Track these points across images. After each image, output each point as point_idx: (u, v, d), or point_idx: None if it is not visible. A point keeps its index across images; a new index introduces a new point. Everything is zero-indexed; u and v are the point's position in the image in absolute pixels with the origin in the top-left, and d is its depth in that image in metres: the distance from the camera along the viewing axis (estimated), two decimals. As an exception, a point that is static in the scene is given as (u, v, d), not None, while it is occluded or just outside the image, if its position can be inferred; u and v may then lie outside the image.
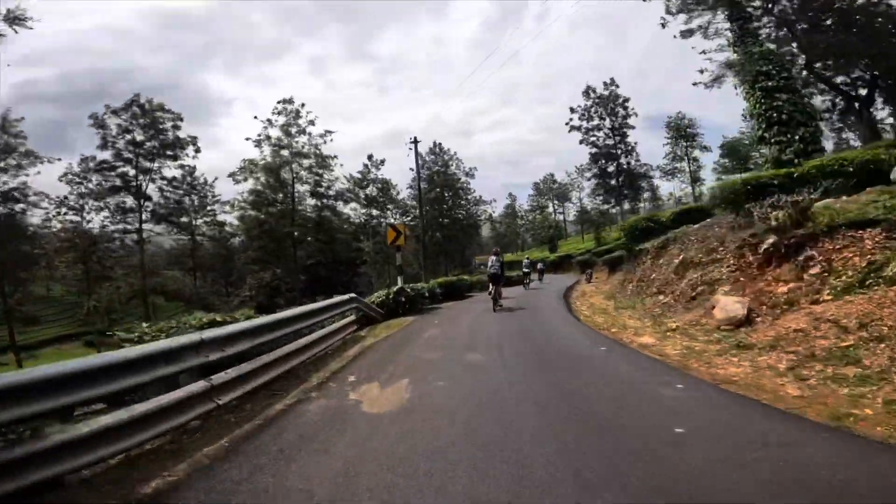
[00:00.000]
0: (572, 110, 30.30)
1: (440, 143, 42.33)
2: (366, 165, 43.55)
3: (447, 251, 41.43)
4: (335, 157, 40.55)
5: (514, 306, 15.88)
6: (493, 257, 14.42)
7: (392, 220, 45.10)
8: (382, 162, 43.21)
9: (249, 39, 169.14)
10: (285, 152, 37.17)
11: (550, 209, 79.87)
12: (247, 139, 37.80)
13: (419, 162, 41.45)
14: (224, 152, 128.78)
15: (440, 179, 40.52)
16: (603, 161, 27.77)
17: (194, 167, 39.16)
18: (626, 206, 48.90)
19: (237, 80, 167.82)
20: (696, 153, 59.17)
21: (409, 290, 14.20)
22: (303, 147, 38.38)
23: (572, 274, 44.85)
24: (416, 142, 19.94)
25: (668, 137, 59.94)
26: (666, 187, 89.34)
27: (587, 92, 30.13)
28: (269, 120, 37.84)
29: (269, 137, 37.54)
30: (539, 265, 33.20)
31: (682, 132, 58.55)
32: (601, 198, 49.42)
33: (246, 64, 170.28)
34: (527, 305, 16.70)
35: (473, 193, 43.13)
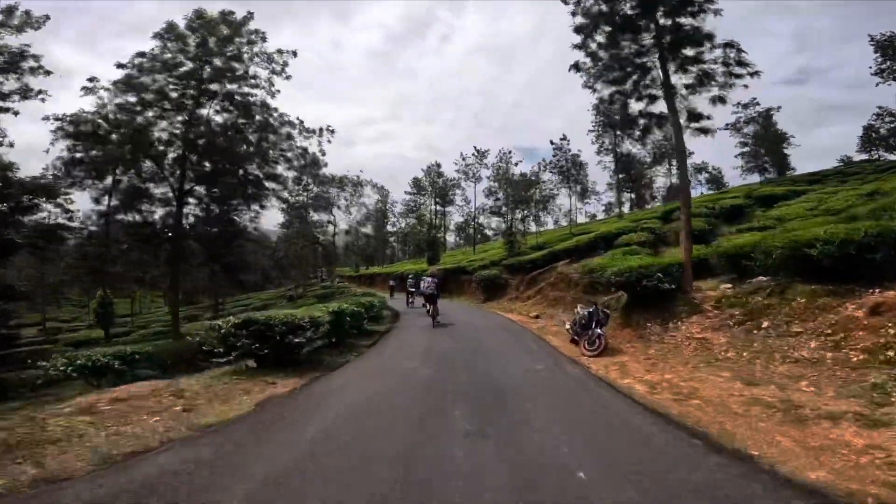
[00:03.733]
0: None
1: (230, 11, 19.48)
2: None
3: (209, 241, 18.35)
4: None
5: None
6: (429, 279, 15.45)
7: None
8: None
9: (115, 13, 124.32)
10: None
11: (431, 208, 61.18)
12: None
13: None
14: None
15: (212, 71, 17.76)
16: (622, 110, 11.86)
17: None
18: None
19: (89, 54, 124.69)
20: (627, 145, 46.93)
21: None
22: None
23: (471, 301, 25.60)
24: None
25: (594, 125, 46.73)
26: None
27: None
28: None
29: None
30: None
31: (611, 117, 45.54)
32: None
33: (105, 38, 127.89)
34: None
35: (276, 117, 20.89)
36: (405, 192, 65.41)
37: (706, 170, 67.07)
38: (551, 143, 41.80)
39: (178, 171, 18.13)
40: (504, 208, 37.31)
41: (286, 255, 43.25)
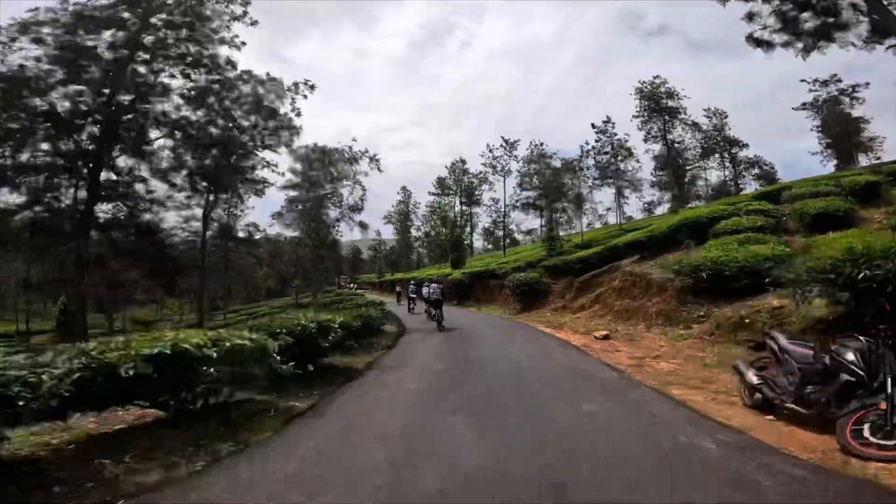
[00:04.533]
0: None
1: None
2: None
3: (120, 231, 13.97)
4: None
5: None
6: (434, 285, 15.21)
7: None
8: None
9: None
10: None
11: (457, 209, 55.76)
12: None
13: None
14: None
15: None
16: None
17: None
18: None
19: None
20: (678, 131, 40.64)
21: None
22: None
23: (503, 311, 20.27)
24: None
25: (638, 112, 40.49)
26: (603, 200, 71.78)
27: None
28: None
29: None
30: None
31: (659, 103, 39.49)
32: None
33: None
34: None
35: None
36: (428, 192, 60.34)
37: (760, 164, 59.57)
38: (593, 126, 36.09)
39: (93, 144, 13.82)
40: (540, 200, 31.77)
41: (296, 259, 39.08)
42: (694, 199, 62.36)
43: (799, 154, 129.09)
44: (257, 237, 62.34)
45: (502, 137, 43.58)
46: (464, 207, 56.46)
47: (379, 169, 39.59)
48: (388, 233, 76.40)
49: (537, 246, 43.43)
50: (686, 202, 61.18)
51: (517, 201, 36.85)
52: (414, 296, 20.78)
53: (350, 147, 40.32)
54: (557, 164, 34.33)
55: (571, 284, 18.43)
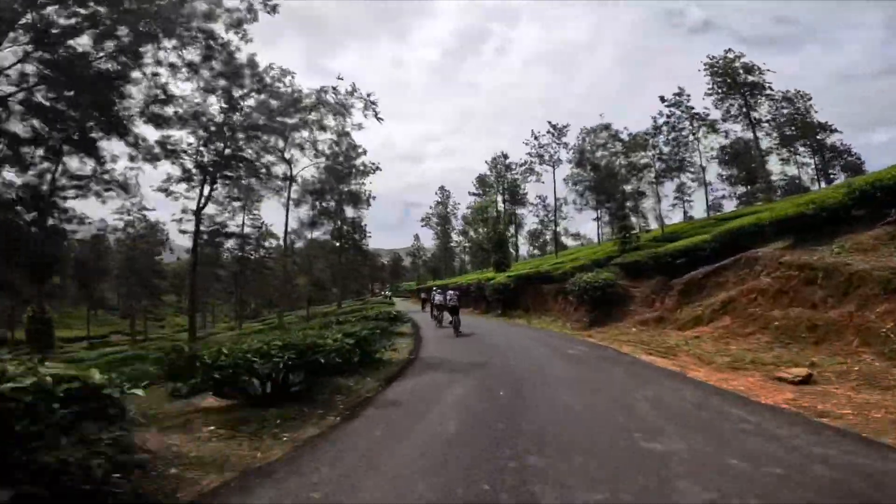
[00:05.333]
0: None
1: None
2: None
3: None
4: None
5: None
6: (451, 292, 15.77)
7: None
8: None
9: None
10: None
11: (500, 207, 50.28)
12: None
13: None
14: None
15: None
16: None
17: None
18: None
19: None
20: (765, 108, 33.51)
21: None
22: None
23: (563, 324, 15.00)
24: None
25: (711, 90, 33.75)
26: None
27: None
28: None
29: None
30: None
31: (736, 79, 32.65)
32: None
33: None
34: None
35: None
36: (469, 192, 55.45)
37: (848, 153, 50.60)
38: (661, 99, 29.93)
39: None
40: (605, 182, 26.08)
41: (309, 266, 35.38)
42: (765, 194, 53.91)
43: (861, 149, 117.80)
44: (298, 244, 60.30)
45: (549, 123, 37.95)
46: (507, 206, 51.11)
47: (378, 117, 31.21)
48: (429, 239, 72.32)
49: (595, 246, 37.45)
50: (757, 196, 52.71)
51: (576, 183, 31.03)
52: (433, 302, 20.00)
53: (335, 88, 30.63)
54: (624, 137, 28.63)
55: (667, 287, 12.98)
